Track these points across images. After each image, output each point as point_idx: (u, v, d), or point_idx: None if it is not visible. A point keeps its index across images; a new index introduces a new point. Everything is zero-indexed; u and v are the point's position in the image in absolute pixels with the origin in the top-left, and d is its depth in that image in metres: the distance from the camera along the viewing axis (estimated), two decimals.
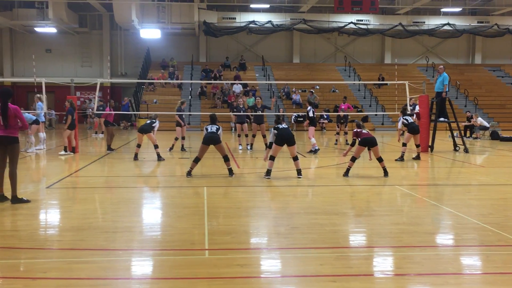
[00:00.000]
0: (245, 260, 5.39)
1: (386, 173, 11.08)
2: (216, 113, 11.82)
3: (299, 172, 10.87)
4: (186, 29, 35.24)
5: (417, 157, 14.38)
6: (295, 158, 10.87)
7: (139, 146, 14.25)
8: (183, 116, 16.75)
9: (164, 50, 36.38)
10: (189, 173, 10.94)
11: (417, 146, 14.50)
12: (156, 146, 14.22)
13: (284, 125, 10.91)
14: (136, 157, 14.01)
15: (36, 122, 16.13)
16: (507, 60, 39.39)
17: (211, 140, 10.85)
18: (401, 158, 14.01)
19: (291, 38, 37.97)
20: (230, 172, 11.01)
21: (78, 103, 29.96)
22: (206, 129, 11.17)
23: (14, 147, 8.12)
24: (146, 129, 14.16)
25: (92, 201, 8.71)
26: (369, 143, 11.05)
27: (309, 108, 16.32)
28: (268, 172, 10.77)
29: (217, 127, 11.15)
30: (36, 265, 5.18)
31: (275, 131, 10.78)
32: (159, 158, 13.96)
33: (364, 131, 11.22)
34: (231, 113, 21.07)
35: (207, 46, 37.80)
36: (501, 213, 7.65)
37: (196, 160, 10.93)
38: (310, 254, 5.58)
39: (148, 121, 14.53)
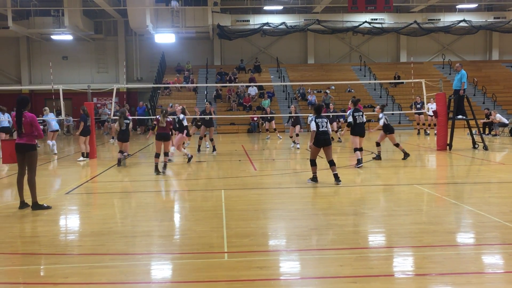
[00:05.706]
0: (264, 263, 5.39)
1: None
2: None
3: (336, 176, 10.19)
4: (200, 33, 35.37)
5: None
6: (332, 163, 10.29)
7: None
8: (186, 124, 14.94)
9: (179, 54, 36.58)
10: (314, 179, 10.31)
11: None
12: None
13: (323, 128, 10.04)
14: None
15: None
16: None
17: (325, 142, 9.99)
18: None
19: (305, 39, 37.90)
20: (337, 178, 10.06)
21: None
22: (317, 124, 9.95)
23: (31, 155, 8.24)
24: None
25: (111, 206, 8.79)
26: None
27: (348, 112, 15.54)
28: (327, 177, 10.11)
29: (326, 120, 10.07)
30: (58, 271, 5.24)
31: (314, 123, 10.06)
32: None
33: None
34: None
35: (222, 49, 37.90)
36: None
37: (313, 163, 10.31)
38: (330, 255, 5.55)
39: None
